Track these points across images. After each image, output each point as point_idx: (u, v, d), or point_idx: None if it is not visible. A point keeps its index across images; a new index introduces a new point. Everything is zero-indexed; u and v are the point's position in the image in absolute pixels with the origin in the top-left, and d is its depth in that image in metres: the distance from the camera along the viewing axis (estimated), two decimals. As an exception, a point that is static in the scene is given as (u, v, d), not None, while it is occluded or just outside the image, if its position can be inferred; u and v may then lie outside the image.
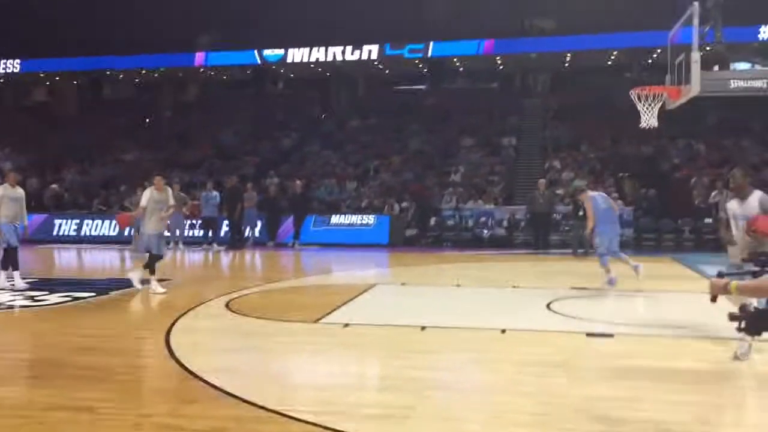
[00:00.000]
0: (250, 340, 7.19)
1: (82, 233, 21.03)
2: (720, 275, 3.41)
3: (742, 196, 6.18)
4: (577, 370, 5.96)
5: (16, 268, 10.64)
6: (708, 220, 17.66)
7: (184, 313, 8.66)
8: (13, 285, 10.45)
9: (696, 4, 8.10)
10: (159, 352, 6.65)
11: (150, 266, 10.39)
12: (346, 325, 7.91)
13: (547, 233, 17.75)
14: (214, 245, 17.63)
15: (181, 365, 6.09)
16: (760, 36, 25.49)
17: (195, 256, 16.73)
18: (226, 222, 18.62)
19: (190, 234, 19.28)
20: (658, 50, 29.84)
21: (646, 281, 10.81)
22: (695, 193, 20.00)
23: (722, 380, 5.76)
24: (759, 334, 3.38)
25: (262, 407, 4.81)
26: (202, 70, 34.97)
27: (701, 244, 17.21)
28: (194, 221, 18.92)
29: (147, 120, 35.10)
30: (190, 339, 7.26)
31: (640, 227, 16.96)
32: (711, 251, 16.36)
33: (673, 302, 9.68)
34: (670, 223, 17.75)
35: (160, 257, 10.58)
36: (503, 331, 7.53)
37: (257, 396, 5.07)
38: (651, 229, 17.68)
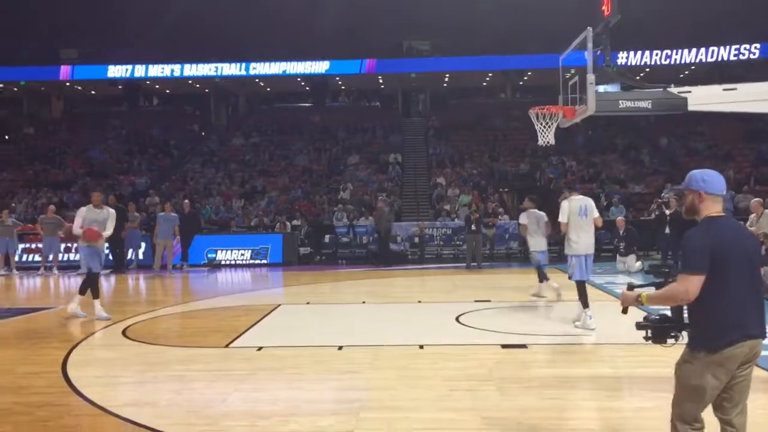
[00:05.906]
0: (159, 370, 6.71)
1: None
2: (630, 287, 3.49)
3: None
4: (503, 382, 6.03)
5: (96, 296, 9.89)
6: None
7: (77, 344, 8.00)
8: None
9: (590, 28, 8.57)
10: (59, 387, 6.06)
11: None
12: (260, 348, 7.61)
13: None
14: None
15: (89, 401, 5.58)
16: (620, 61, 27.70)
17: (75, 282, 15.49)
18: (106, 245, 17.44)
19: (66, 258, 17.93)
20: (529, 72, 31.68)
21: (543, 291, 11.30)
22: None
23: (639, 384, 6.04)
24: (664, 341, 3.51)
25: (196, 443, 4.49)
26: (68, 84, 32.95)
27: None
28: (70, 244, 17.58)
29: (6, 137, 32.54)
30: (92, 372, 6.69)
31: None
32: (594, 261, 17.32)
33: (571, 311, 10.09)
34: (555, 234, 18.59)
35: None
36: (421, 346, 7.53)
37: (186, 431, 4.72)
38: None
